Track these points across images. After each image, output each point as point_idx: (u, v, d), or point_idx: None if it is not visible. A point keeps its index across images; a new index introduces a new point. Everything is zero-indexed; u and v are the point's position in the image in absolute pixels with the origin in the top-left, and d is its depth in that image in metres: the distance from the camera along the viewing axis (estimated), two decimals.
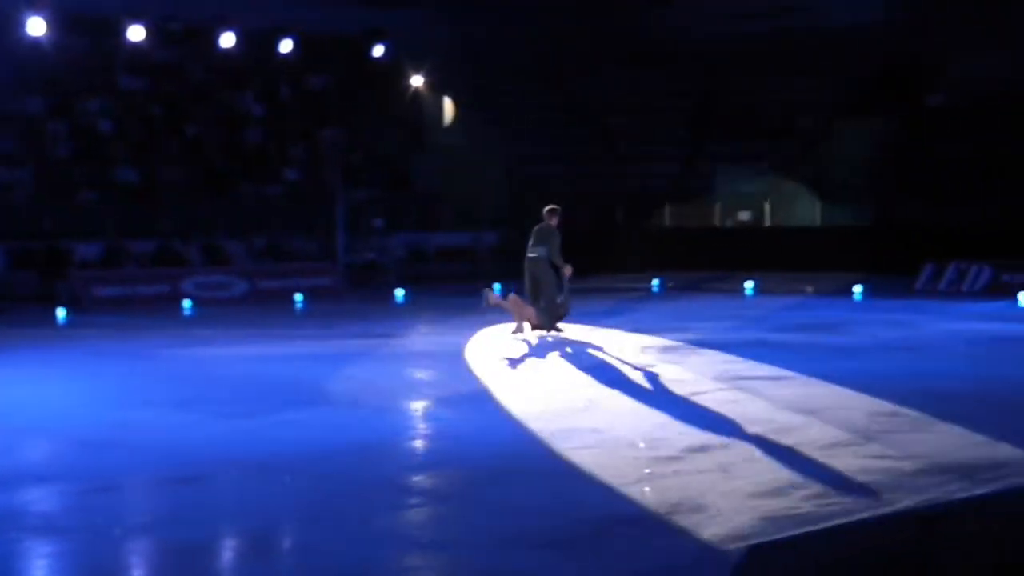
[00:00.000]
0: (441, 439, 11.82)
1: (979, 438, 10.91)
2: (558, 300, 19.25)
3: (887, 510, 5.71)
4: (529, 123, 40.06)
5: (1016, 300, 24.41)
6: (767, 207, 36.38)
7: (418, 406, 13.71)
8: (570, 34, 42.05)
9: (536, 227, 19.53)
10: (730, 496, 9.03)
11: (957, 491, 8.59)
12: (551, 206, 19.81)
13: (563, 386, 14.50)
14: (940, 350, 17.53)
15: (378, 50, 38.14)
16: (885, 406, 12.70)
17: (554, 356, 17.16)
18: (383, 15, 39.10)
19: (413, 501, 9.39)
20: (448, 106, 38.28)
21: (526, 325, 19.14)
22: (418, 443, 11.87)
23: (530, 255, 19.15)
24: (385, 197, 35.53)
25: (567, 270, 19.35)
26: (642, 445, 10.85)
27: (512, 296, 19.38)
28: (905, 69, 39.66)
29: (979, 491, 8.40)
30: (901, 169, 36.46)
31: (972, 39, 37.62)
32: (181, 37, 36.11)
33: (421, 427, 12.65)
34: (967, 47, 37.75)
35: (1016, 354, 17.06)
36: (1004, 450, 10.42)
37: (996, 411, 12.37)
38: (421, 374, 16.03)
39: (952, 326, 20.62)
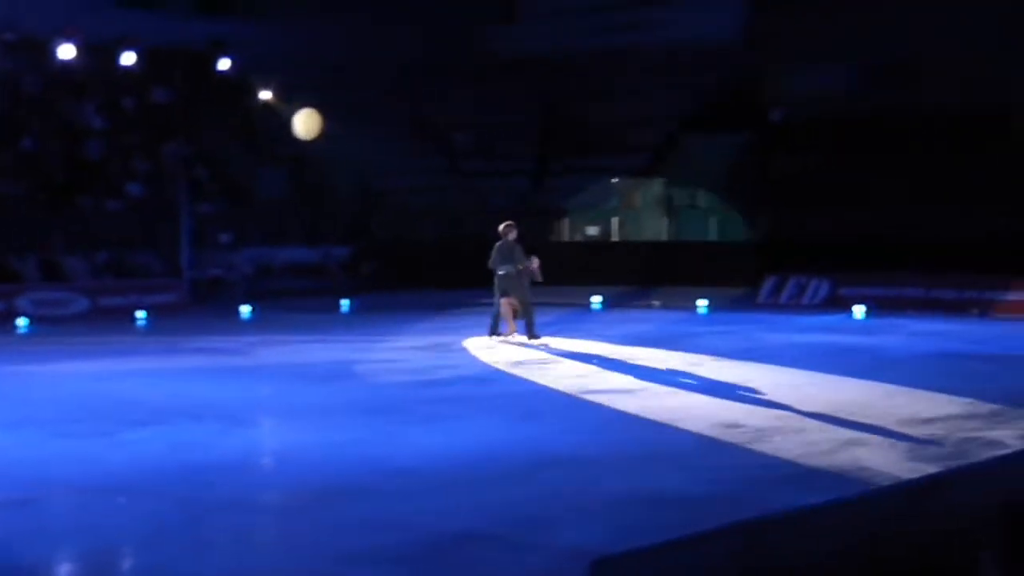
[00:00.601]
0: (285, 456, 11.59)
1: (819, 448, 11.12)
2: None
3: (730, 521, 5.77)
4: (378, 138, 39.82)
5: (851, 313, 25.03)
6: (615, 222, 36.74)
7: (262, 423, 13.44)
8: (416, 48, 41.99)
9: (497, 244, 20.08)
10: (578, 510, 9.03)
11: (790, 499, 8.73)
12: (507, 222, 20.51)
13: (408, 397, 14.39)
14: (776, 361, 17.85)
15: (224, 63, 37.55)
16: (729, 416, 12.88)
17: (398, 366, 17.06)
18: (229, 27, 38.53)
19: (255, 519, 9.18)
20: (303, 119, 37.75)
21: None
22: (262, 461, 11.63)
23: (500, 272, 19.70)
24: (231, 212, 34.96)
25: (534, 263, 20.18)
26: (491, 461, 10.80)
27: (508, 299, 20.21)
28: (749, 84, 40.54)
29: (810, 501, 8.53)
30: (747, 184, 37.19)
31: (810, 55, 38.63)
32: (17, 47, 35.03)
33: (265, 444, 12.40)
34: (806, 63, 38.77)
35: (846, 363, 17.45)
36: (842, 458, 10.64)
37: (832, 421, 12.62)
38: (265, 391, 15.71)
39: (790, 338, 21.04)
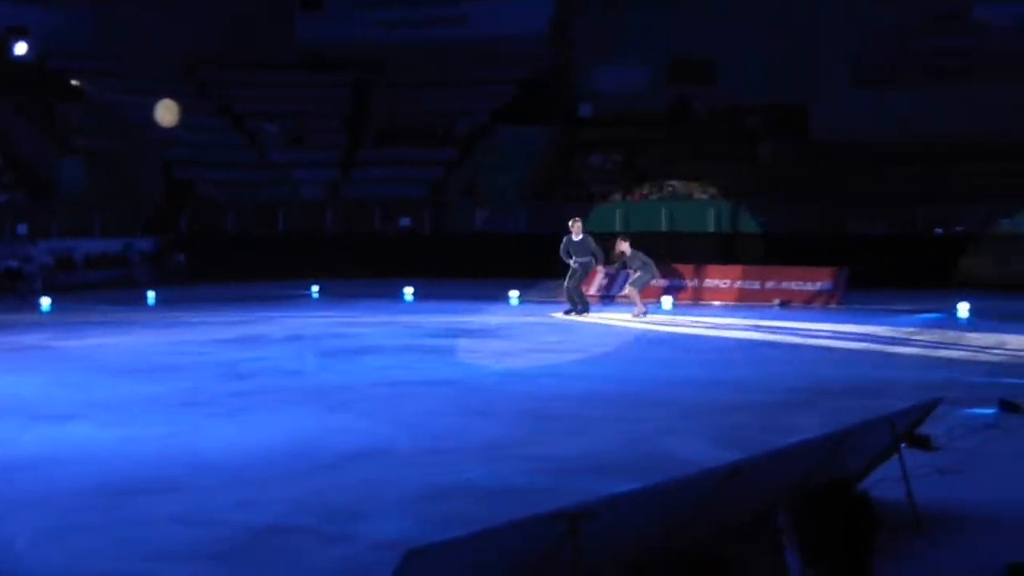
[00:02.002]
0: (88, 451, 11.24)
1: (629, 437, 11.33)
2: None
3: (543, 510, 5.85)
4: (183, 127, 39.00)
5: (660, 303, 25.53)
6: (427, 214, 36.75)
7: (64, 418, 13.01)
8: (225, 37, 41.26)
9: (566, 238, 23.51)
10: (390, 501, 9.01)
11: (605, 489, 8.87)
12: (575, 218, 23.83)
13: (216, 390, 14.14)
14: (589, 352, 18.12)
15: (20, 48, 36.23)
16: (543, 406, 13.02)
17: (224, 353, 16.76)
18: (29, 13, 37.20)
19: (59, 517, 8.88)
20: (163, 108, 36.58)
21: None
22: (65, 456, 11.23)
23: (582, 260, 23.22)
24: (28, 203, 33.76)
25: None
26: (301, 454, 10.69)
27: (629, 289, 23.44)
28: (558, 79, 41.05)
29: (625, 488, 8.69)
30: (556, 176, 37.64)
31: (614, 51, 39.35)
32: None
33: (67, 440, 12.00)
34: (611, 59, 39.48)
35: (653, 354, 17.82)
36: (651, 447, 10.86)
37: (643, 411, 12.87)
38: (66, 385, 15.19)
39: (608, 328, 21.37)
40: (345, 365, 16.68)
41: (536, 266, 30.31)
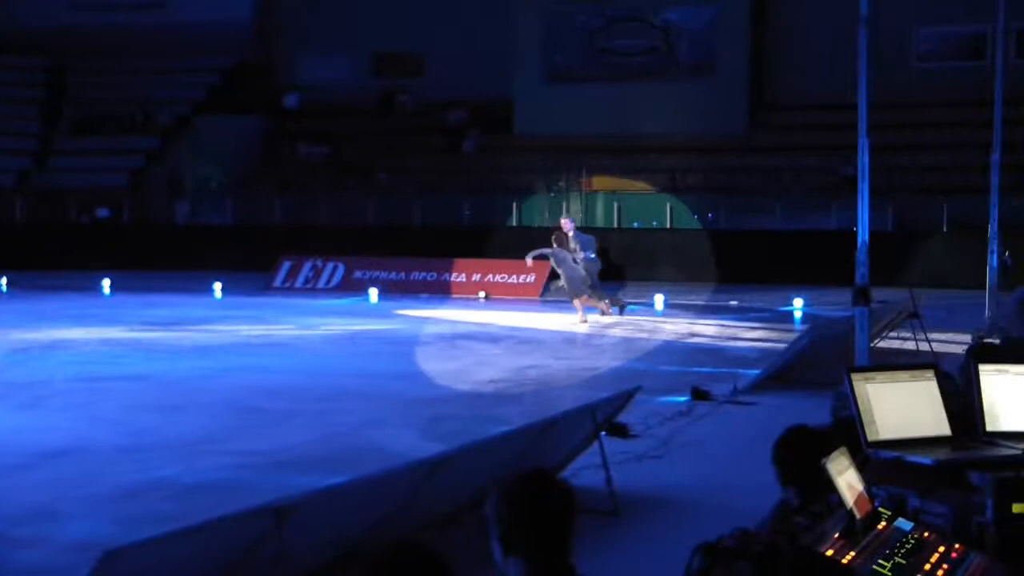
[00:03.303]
0: None
1: (337, 431, 11.27)
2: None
3: (246, 506, 5.76)
4: None
5: (367, 295, 25.54)
6: (126, 205, 35.61)
7: None
8: None
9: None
10: (86, 501, 8.67)
11: (308, 483, 8.80)
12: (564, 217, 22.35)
13: None
14: (293, 347, 17.96)
15: None
16: (251, 400, 12.81)
17: None
18: None
19: None
20: None
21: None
22: None
23: (591, 256, 20.87)
24: None
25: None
26: None
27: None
28: (262, 69, 40.45)
29: (331, 481, 8.64)
30: (263, 168, 37.14)
31: (320, 43, 39.14)
32: None
33: None
34: (316, 51, 39.24)
35: (371, 350, 17.83)
36: (359, 440, 10.85)
37: (350, 403, 12.83)
38: None
39: (308, 321, 21.19)
40: (37, 361, 15.95)
41: (242, 256, 29.91)
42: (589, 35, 36.78)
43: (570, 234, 20.97)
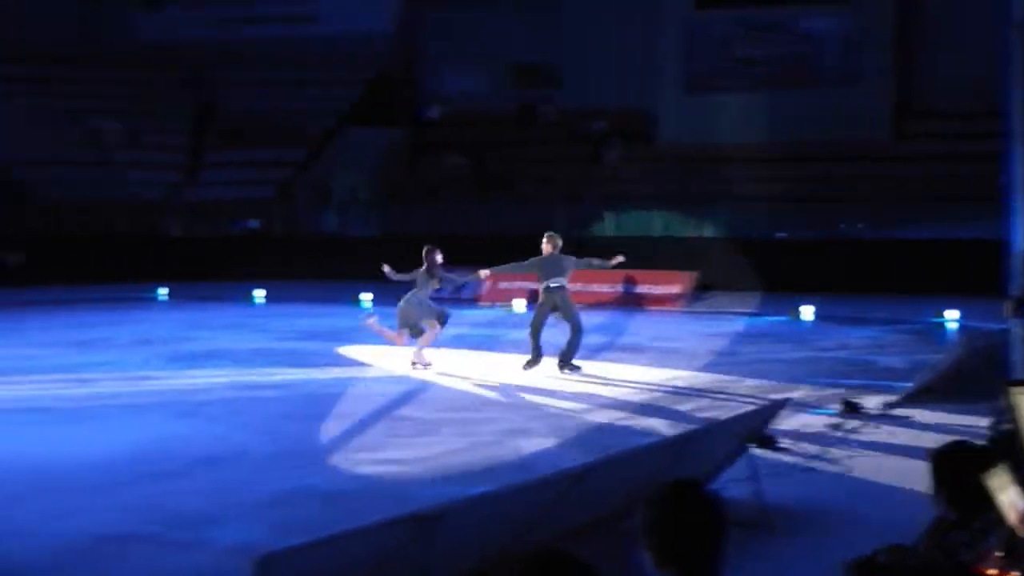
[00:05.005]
0: None
1: (478, 440, 11.33)
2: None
3: (392, 513, 5.83)
4: (21, 126, 37.89)
5: (512, 305, 25.61)
6: (275, 216, 36.34)
7: None
8: (64, 34, 40.18)
9: (543, 257, 16.59)
10: (239, 507, 8.86)
11: (451, 492, 8.88)
12: (548, 233, 16.93)
13: (53, 396, 13.75)
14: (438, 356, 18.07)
15: None
16: (397, 410, 12.95)
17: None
18: None
19: None
20: None
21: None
22: None
23: (552, 285, 16.40)
24: None
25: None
26: (148, 460, 10.46)
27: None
28: (404, 81, 41.00)
29: (476, 490, 8.71)
30: (406, 178, 37.58)
31: (459, 54, 39.51)
32: None
33: None
34: (455, 62, 39.63)
35: (515, 360, 17.89)
36: (495, 448, 10.89)
37: (497, 412, 12.89)
38: None
39: (451, 332, 21.32)
40: (194, 370, 16.37)
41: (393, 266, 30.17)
42: (728, 43, 36.50)
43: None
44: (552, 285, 16.36)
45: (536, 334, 16.30)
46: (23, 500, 9.12)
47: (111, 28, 41.55)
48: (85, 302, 26.52)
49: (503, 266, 17.27)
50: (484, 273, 17.41)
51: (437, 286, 16.99)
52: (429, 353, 16.53)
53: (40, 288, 29.90)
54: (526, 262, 16.91)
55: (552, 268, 16.50)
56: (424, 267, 16.63)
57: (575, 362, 16.10)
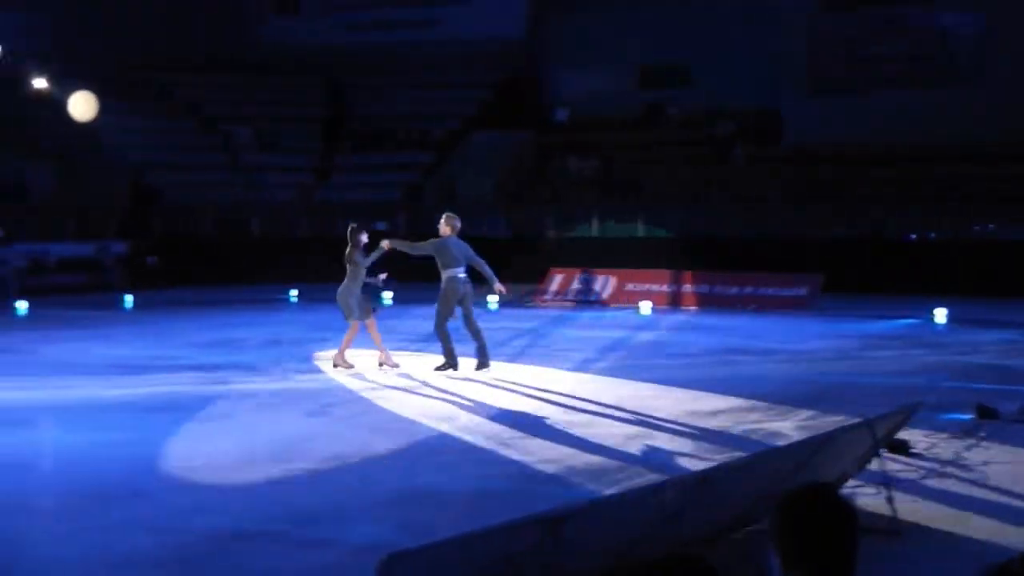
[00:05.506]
0: (60, 456, 11.16)
1: (602, 442, 11.29)
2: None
3: (516, 515, 5.85)
4: (155, 130, 38.87)
5: (638, 308, 25.54)
6: (403, 218, 36.66)
7: (38, 422, 12.89)
8: (196, 39, 41.11)
9: (447, 239, 15.71)
10: (368, 506, 8.96)
11: (579, 493, 8.87)
12: (447, 214, 16.17)
13: (192, 394, 14.05)
14: (564, 357, 18.09)
15: None
16: (516, 414, 12.97)
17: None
18: None
19: (27, 522, 8.81)
20: (79, 101, 36.36)
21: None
22: (37, 461, 11.13)
23: (461, 275, 15.51)
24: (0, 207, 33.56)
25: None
26: (277, 459, 10.63)
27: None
28: (531, 83, 41.11)
29: (605, 492, 8.69)
30: (534, 180, 37.65)
31: (587, 55, 39.44)
32: None
33: (40, 444, 11.90)
34: (584, 63, 39.56)
35: (632, 358, 17.82)
36: (620, 451, 10.84)
37: (619, 415, 12.84)
38: (43, 389, 15.01)
39: (578, 333, 21.36)
40: (324, 370, 16.60)
41: (513, 269, 30.25)
42: (854, 43, 35.92)
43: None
44: (461, 275, 15.30)
45: (446, 334, 15.32)
46: (155, 496, 9.33)
47: (240, 34, 42.40)
48: (218, 303, 27.09)
49: (404, 242, 16.37)
50: (385, 243, 16.53)
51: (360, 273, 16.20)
52: (351, 353, 16.25)
53: (173, 289, 30.65)
54: (427, 242, 15.76)
55: (460, 255, 15.27)
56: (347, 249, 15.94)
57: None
